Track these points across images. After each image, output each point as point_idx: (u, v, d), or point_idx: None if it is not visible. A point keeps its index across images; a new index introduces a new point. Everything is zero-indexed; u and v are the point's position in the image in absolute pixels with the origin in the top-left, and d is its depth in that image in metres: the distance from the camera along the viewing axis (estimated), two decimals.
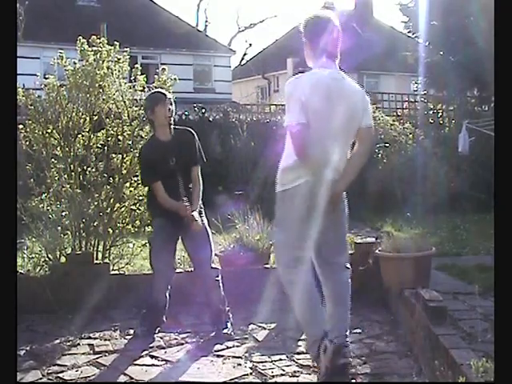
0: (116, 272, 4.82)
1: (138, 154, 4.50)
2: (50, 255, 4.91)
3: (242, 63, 33.38)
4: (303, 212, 3.12)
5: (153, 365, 3.57)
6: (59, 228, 4.90)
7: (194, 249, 4.10)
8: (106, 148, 5.12)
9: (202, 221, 4.10)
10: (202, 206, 4.19)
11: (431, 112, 11.87)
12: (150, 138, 4.34)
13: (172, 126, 4.15)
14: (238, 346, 3.84)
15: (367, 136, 3.31)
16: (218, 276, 4.10)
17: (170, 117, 4.12)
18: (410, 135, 10.44)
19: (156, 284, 4.03)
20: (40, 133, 4.98)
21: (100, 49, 4.99)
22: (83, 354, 3.76)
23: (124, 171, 5.11)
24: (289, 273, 3.24)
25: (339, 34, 3.27)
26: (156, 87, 5.06)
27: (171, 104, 4.15)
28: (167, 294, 4.08)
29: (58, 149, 5.01)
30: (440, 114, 11.87)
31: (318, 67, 3.26)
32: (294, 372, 3.42)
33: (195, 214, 4.02)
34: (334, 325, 3.23)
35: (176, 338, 3.99)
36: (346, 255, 3.42)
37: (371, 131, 3.34)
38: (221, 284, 4.09)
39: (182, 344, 3.91)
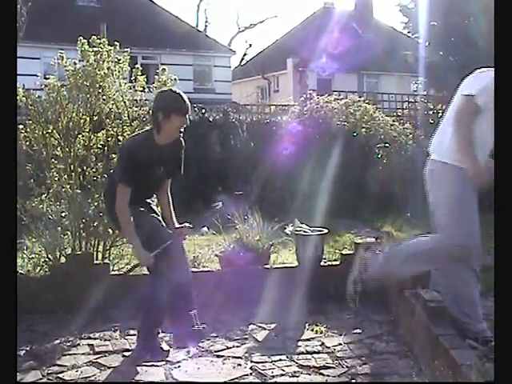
0: (116, 272, 4.82)
1: (124, 148, 3.88)
2: (50, 255, 4.90)
3: (242, 63, 33.44)
4: None
5: (153, 365, 3.57)
6: (59, 228, 4.89)
7: None
8: (106, 148, 5.11)
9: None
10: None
11: (431, 112, 11.84)
12: (144, 137, 3.79)
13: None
14: (237, 346, 3.84)
15: None
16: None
17: (182, 131, 3.70)
18: (410, 135, 10.43)
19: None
20: (40, 133, 4.97)
21: (100, 49, 4.98)
22: (83, 354, 3.76)
23: None
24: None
25: None
26: (156, 87, 5.07)
27: (188, 113, 3.69)
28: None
29: (58, 149, 5.00)
30: (440, 114, 11.84)
31: None
32: (294, 372, 3.42)
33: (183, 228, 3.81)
34: None
35: None
36: None
37: None
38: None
39: None
